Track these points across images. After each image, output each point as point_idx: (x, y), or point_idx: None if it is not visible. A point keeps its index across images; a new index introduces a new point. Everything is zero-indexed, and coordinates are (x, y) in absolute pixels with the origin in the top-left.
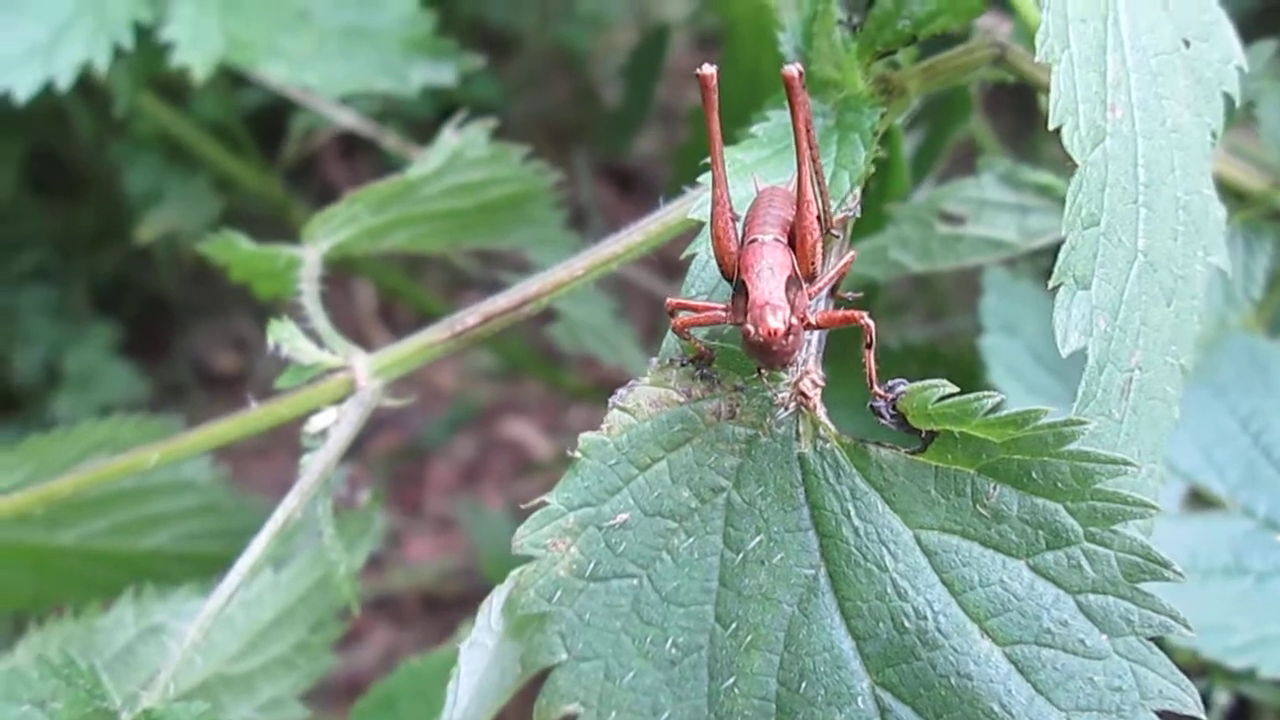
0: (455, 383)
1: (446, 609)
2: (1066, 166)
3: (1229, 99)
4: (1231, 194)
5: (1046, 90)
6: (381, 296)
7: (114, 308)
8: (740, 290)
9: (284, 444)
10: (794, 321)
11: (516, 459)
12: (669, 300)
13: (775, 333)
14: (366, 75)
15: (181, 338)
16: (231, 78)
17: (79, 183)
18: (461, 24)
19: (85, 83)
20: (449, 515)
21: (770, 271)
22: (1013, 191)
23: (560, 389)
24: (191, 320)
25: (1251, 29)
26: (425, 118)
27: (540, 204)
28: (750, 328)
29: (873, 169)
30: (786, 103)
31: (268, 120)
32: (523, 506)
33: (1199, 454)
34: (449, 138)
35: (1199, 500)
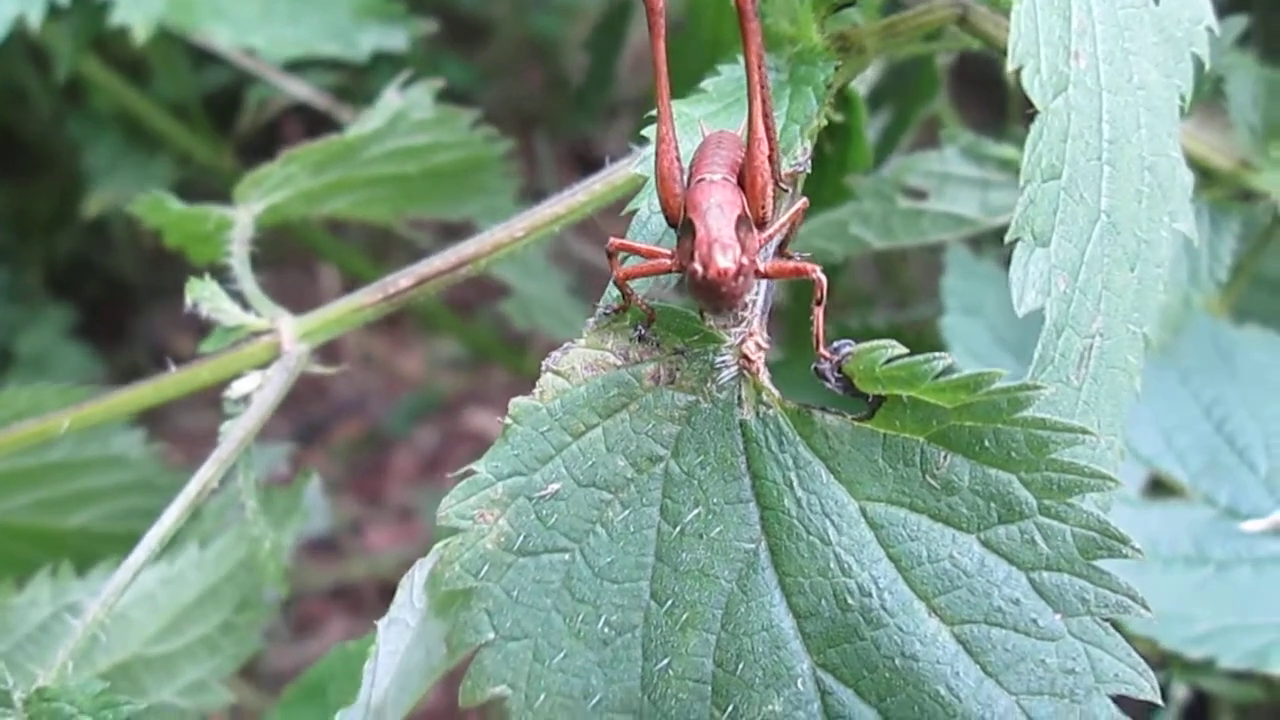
0: (419, 371)
1: None
2: (1025, 115)
3: (1199, 61)
4: (1199, 172)
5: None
6: (346, 281)
7: (71, 290)
8: (687, 231)
9: None
10: (744, 262)
11: (480, 449)
12: (611, 240)
13: (725, 272)
14: (314, 39)
15: (140, 321)
16: (192, 57)
17: (35, 162)
18: (431, 10)
19: (41, 56)
20: (410, 505)
21: (719, 209)
22: (975, 166)
23: (524, 376)
24: (150, 303)
25: (1223, 6)
26: None
27: (492, 173)
28: (698, 267)
29: (825, 122)
30: (739, 57)
31: (227, 101)
32: (449, 476)
33: (1160, 439)
34: (391, 98)
35: (1160, 487)
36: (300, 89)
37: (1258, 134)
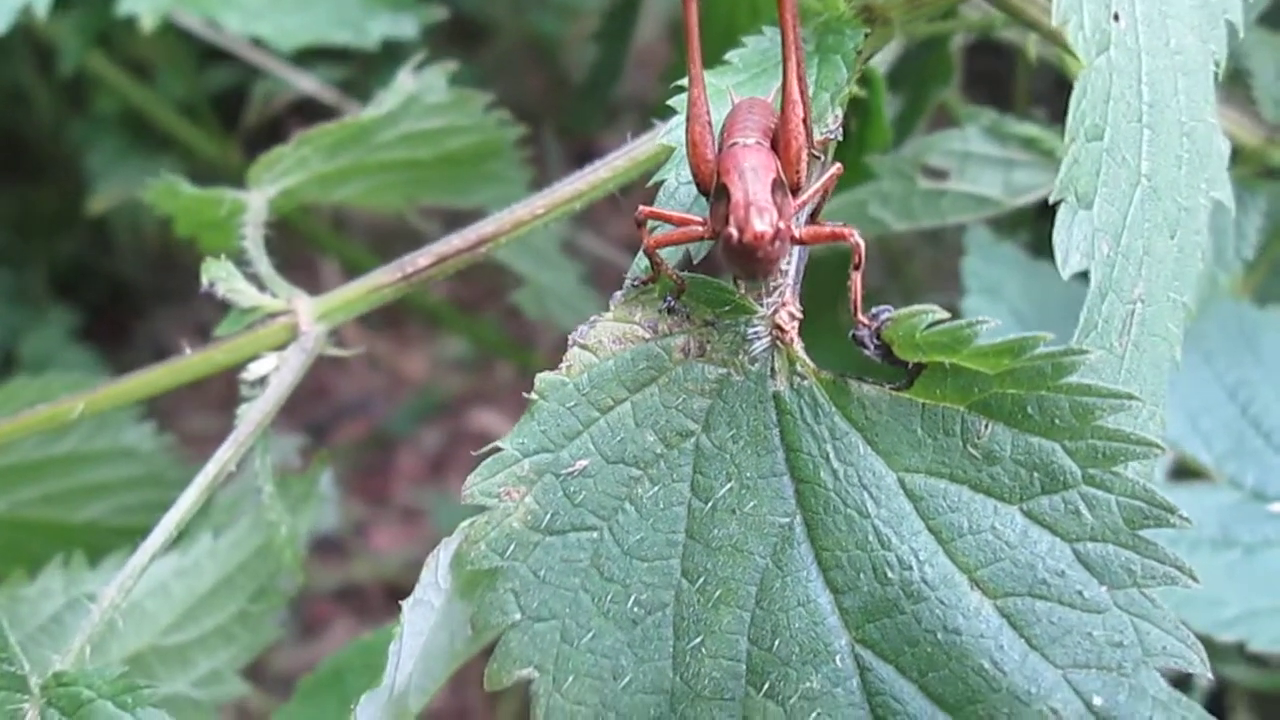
0: (424, 371)
1: None
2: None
3: (1232, 28)
4: None
5: (1034, 27)
6: (346, 274)
7: (75, 293)
8: (721, 196)
9: None
10: (781, 226)
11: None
12: (640, 209)
13: (762, 236)
14: (323, 27)
15: (143, 324)
16: (197, 55)
17: (39, 165)
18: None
19: (44, 56)
20: (415, 505)
21: (754, 173)
22: (998, 145)
23: (531, 374)
24: (153, 306)
25: None
26: None
27: (504, 160)
28: (733, 231)
29: (855, 90)
30: (764, 28)
31: (233, 101)
32: (474, 454)
33: (1186, 422)
34: (405, 81)
35: (1185, 470)
36: (307, 82)
37: None
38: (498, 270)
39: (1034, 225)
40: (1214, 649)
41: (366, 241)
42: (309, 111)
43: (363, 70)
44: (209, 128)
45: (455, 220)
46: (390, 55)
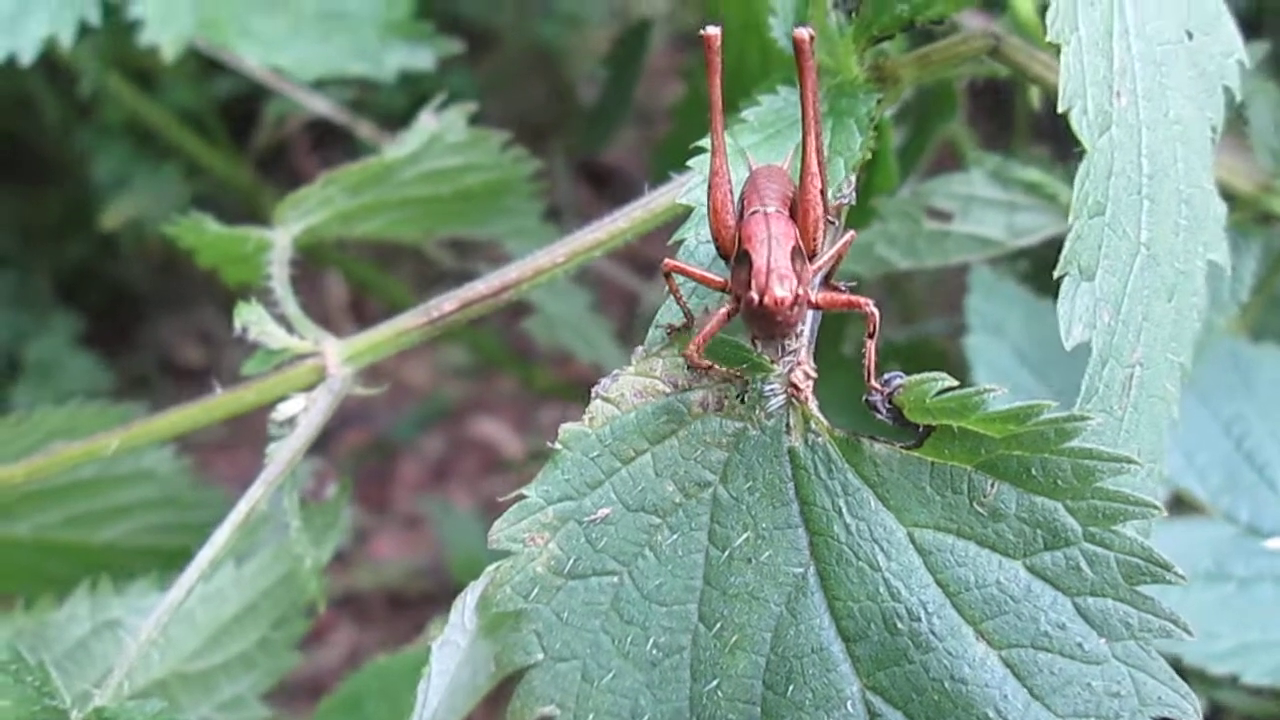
0: (426, 380)
1: (412, 608)
2: (1074, 153)
3: (1229, 94)
4: (1220, 196)
5: (1038, 83)
6: (352, 291)
7: (78, 298)
8: (743, 261)
9: (248, 438)
10: (800, 292)
11: (486, 458)
12: (666, 261)
13: (782, 301)
14: (341, 58)
15: (146, 330)
16: (204, 65)
17: (44, 170)
18: (437, 20)
19: (51, 64)
20: (417, 514)
21: (776, 241)
22: (1001, 189)
23: (532, 387)
24: (157, 312)
25: (1243, 32)
26: (398, 112)
27: (518, 194)
28: (754, 295)
29: (869, 155)
30: (778, 88)
31: (240, 110)
32: (500, 500)
33: (1181, 458)
34: (427, 121)
35: (1181, 505)
36: (319, 104)
37: (1278, 158)
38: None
39: (1034, 254)
40: (1208, 676)
41: (372, 254)
42: (318, 127)
43: (368, 89)
44: (218, 141)
45: (466, 247)
46: (401, 77)
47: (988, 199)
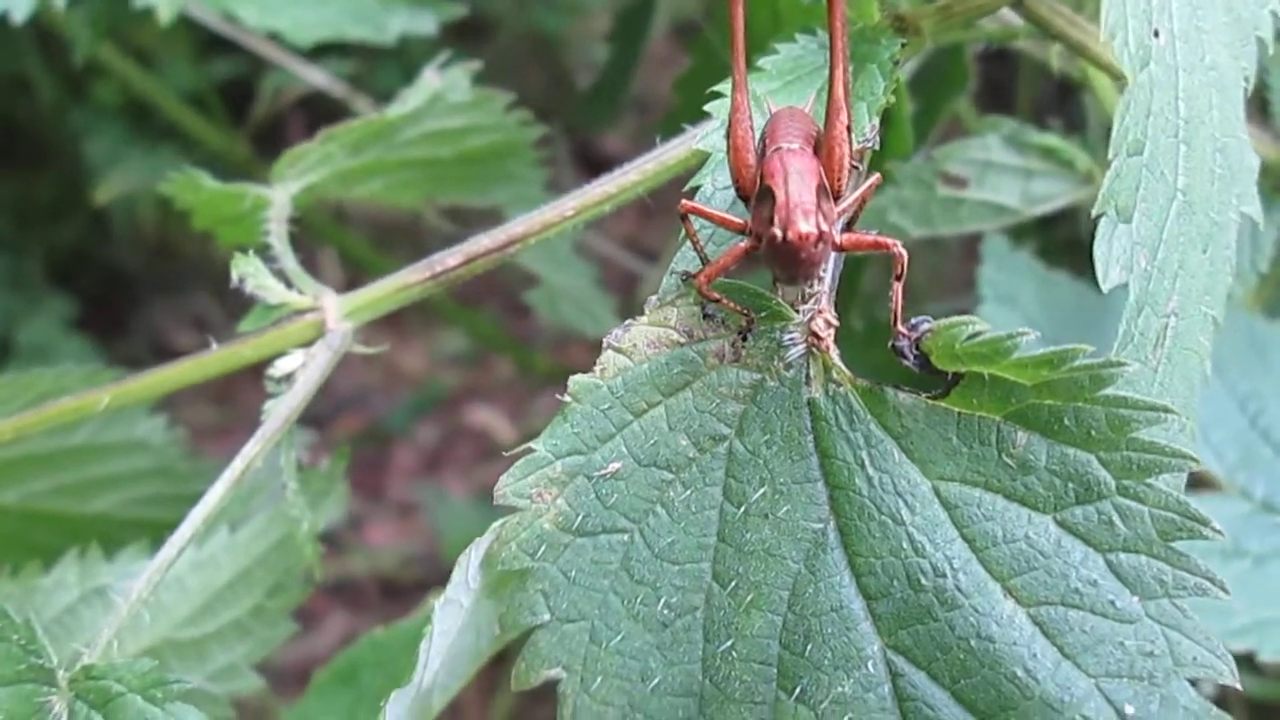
0: (421, 367)
1: (406, 594)
2: (1117, 85)
3: (1263, 46)
4: None
5: (1061, 38)
6: (347, 272)
7: (72, 282)
8: (765, 198)
9: (244, 420)
10: (825, 229)
11: (481, 446)
12: (683, 203)
13: (807, 236)
14: (341, 22)
15: (140, 314)
16: (201, 45)
17: (38, 152)
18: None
19: (47, 43)
20: (411, 501)
21: (800, 176)
22: (1017, 154)
23: (529, 372)
24: (150, 296)
25: None
26: (395, 91)
27: (522, 159)
28: (778, 231)
29: (892, 99)
30: (797, 36)
31: (236, 92)
32: (506, 454)
33: (1198, 433)
34: (430, 79)
35: (1195, 481)
36: (316, 76)
37: None
38: (499, 265)
39: (1041, 233)
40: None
41: (369, 234)
42: (313, 105)
43: (369, 65)
44: (216, 119)
45: (467, 220)
46: (396, 52)
47: (1004, 164)
